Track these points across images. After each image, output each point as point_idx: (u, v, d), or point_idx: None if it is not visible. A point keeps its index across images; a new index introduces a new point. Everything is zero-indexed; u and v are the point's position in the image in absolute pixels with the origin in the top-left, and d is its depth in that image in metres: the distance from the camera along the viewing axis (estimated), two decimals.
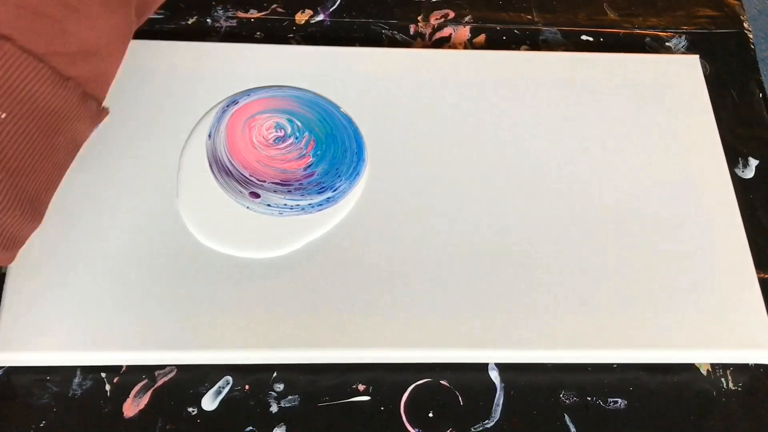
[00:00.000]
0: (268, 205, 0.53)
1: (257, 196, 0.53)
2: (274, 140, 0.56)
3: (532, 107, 0.58)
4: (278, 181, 0.54)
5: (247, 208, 0.53)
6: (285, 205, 0.53)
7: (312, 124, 0.56)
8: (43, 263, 0.49)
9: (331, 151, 0.55)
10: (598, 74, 0.60)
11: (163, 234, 0.51)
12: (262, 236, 0.51)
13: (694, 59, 0.61)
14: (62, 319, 0.47)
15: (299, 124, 0.56)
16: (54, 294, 0.48)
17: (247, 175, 0.54)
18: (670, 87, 0.60)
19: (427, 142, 0.56)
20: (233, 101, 0.57)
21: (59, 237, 0.50)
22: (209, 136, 0.55)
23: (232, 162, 0.54)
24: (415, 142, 0.56)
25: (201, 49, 0.59)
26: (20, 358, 0.47)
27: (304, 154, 0.55)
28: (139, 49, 0.57)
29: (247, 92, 0.57)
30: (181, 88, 0.57)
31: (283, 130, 0.56)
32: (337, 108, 0.57)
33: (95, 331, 0.47)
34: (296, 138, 0.56)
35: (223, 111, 0.56)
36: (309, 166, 0.55)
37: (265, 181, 0.54)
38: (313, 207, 0.53)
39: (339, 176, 0.54)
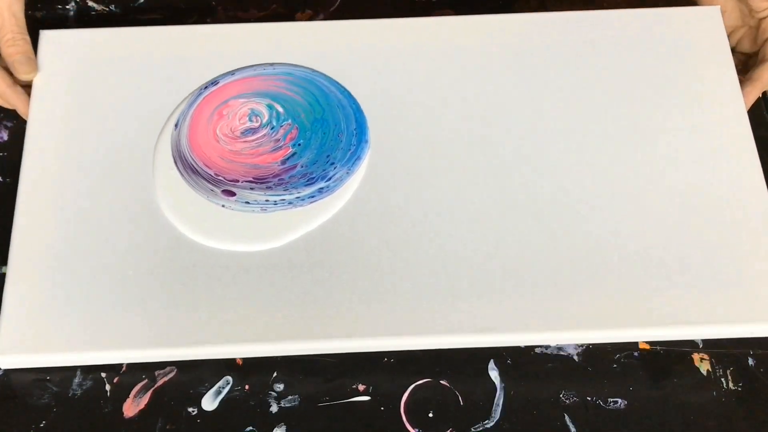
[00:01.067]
0: (247, 203, 0.49)
1: (232, 194, 0.49)
2: (242, 132, 0.51)
3: (541, 73, 0.55)
4: (251, 178, 0.49)
5: (223, 206, 0.49)
6: (267, 201, 0.49)
7: (297, 110, 0.52)
8: (42, 266, 0.49)
9: (319, 138, 0.51)
10: (612, 32, 0.56)
11: (157, 232, 0.50)
12: (255, 228, 0.50)
13: (715, 9, 0.57)
14: (62, 320, 0.47)
15: (280, 109, 0.52)
16: (53, 296, 0.48)
17: (213, 174, 0.49)
18: (690, 41, 0.56)
19: (431, 119, 0.53)
20: (213, 82, 0.53)
21: (56, 239, 0.50)
22: (176, 125, 0.51)
23: (193, 159, 0.50)
24: (419, 119, 0.53)
25: (192, 32, 0.56)
26: (22, 361, 0.47)
27: (280, 146, 0.51)
28: (126, 37, 0.56)
29: (231, 72, 0.53)
30: (172, 73, 0.54)
31: (258, 118, 0.51)
32: (337, 84, 0.53)
33: (95, 330, 0.47)
34: (272, 128, 0.51)
35: (199, 94, 0.52)
36: (288, 158, 0.51)
37: (237, 180, 0.49)
38: (303, 200, 0.50)
39: (332, 164, 0.51)
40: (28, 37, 0.55)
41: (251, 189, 0.50)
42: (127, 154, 0.52)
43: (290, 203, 0.50)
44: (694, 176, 0.52)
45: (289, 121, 0.52)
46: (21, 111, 0.55)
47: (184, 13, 0.63)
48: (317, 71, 0.54)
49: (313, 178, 0.50)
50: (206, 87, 0.53)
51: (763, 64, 0.56)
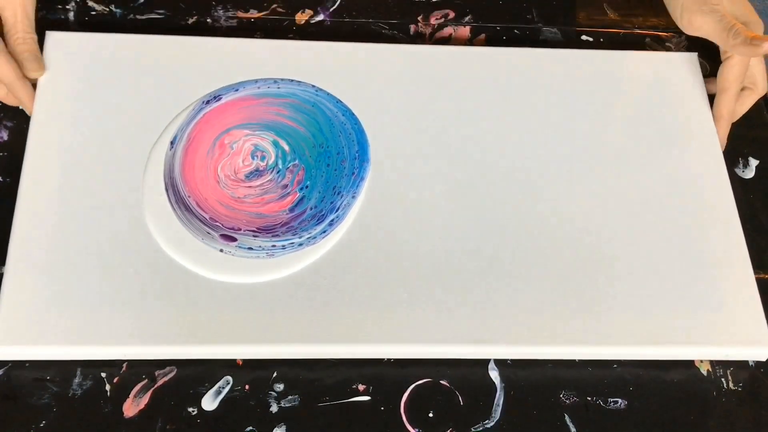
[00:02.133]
0: (250, 248, 0.45)
1: (232, 239, 0.45)
2: (247, 175, 0.47)
3: (532, 105, 0.58)
4: (254, 228, 0.45)
5: (221, 251, 0.45)
6: (273, 246, 0.45)
7: (302, 145, 0.49)
8: (42, 262, 0.49)
9: (324, 173, 0.48)
10: (597, 71, 0.60)
11: (158, 233, 0.50)
12: (261, 265, 0.47)
13: (693, 57, 0.62)
14: (61, 314, 0.47)
15: (286, 147, 0.48)
16: (53, 290, 0.48)
17: (208, 218, 0.44)
18: (669, 84, 0.60)
19: (428, 141, 0.55)
20: (215, 96, 0.50)
21: (57, 234, 0.49)
22: (171, 143, 0.46)
23: (186, 195, 0.44)
24: (416, 140, 0.55)
25: (196, 44, 0.57)
26: (19, 353, 0.47)
27: (288, 192, 0.47)
28: (132, 43, 0.57)
29: (235, 86, 0.51)
30: (175, 81, 0.54)
31: (262, 154, 0.47)
32: (339, 104, 0.53)
33: (96, 327, 0.47)
34: (278, 171, 0.47)
35: (200, 109, 0.49)
36: (297, 204, 0.47)
37: (239, 229, 0.45)
38: (314, 238, 0.46)
39: (339, 193, 0.48)
40: (35, 36, 0.56)
41: (255, 237, 0.46)
42: (129, 155, 0.52)
43: (301, 245, 0.47)
44: (675, 209, 0.54)
45: (296, 161, 0.48)
46: (27, 106, 0.55)
47: (184, 13, 0.63)
48: (321, 89, 0.54)
49: (323, 214, 0.48)
50: (207, 102, 0.50)
51: (719, 98, 0.58)
